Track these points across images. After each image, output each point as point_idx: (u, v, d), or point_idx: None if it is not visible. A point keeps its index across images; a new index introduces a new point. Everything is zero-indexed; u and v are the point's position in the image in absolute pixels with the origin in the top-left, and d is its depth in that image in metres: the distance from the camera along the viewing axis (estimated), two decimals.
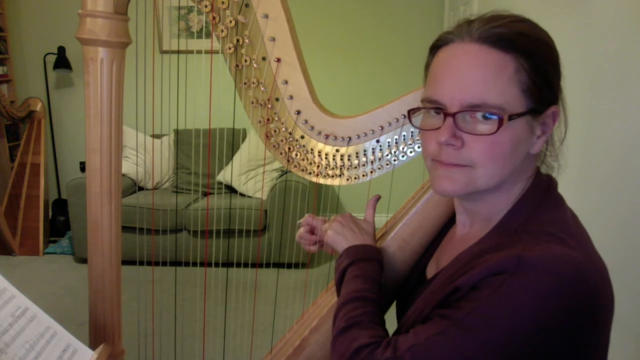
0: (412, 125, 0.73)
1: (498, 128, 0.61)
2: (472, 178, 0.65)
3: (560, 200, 0.71)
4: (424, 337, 0.62)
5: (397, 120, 0.88)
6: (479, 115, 0.62)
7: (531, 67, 0.61)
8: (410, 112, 0.72)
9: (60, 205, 3.98)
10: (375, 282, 0.80)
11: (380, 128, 0.89)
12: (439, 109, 0.65)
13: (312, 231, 1.00)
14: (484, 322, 0.59)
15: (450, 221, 0.88)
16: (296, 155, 0.95)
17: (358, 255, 0.83)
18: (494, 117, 0.61)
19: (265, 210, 3.25)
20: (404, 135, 0.90)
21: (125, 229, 3.16)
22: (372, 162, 0.92)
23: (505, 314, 0.58)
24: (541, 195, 0.69)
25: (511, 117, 0.61)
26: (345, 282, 0.80)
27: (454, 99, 0.63)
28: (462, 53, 0.63)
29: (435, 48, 0.69)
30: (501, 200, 0.70)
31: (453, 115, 0.63)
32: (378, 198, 0.94)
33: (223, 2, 0.86)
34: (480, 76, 0.62)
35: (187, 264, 3.24)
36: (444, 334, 0.61)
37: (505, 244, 0.63)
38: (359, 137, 0.91)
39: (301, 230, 1.00)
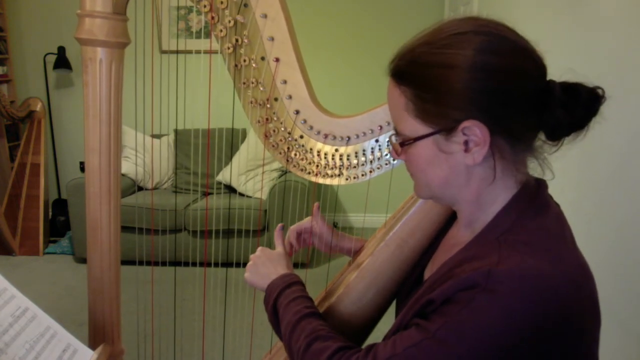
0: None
1: (402, 150, 0.71)
2: (417, 185, 0.75)
3: (544, 205, 0.70)
4: (401, 348, 0.64)
5: None
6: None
7: (416, 95, 0.67)
8: None
9: (60, 205, 3.98)
10: (307, 299, 0.84)
11: (379, 127, 0.89)
12: None
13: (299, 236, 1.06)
14: (455, 336, 0.60)
15: (450, 221, 0.88)
16: (295, 154, 0.95)
17: (279, 287, 0.86)
18: (401, 140, 0.71)
19: (265, 210, 3.25)
20: None
21: (125, 229, 3.16)
22: (371, 161, 0.92)
23: (475, 329, 0.59)
24: (525, 203, 0.69)
25: (407, 142, 0.69)
26: (280, 314, 0.83)
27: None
28: (388, 86, 0.72)
29: None
30: (472, 207, 0.71)
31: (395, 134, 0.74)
32: (282, 227, 1.02)
33: (222, 2, 0.86)
34: (391, 109, 0.73)
35: (186, 264, 3.24)
36: (419, 346, 0.62)
37: (483, 254, 0.64)
38: (357, 136, 0.91)
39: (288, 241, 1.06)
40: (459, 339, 0.59)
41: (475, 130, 0.64)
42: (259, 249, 0.96)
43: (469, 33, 0.64)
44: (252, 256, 0.95)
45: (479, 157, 0.66)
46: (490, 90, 0.63)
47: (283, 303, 0.83)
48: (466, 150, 0.66)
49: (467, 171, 0.68)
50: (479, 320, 0.59)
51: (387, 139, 0.90)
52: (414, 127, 0.68)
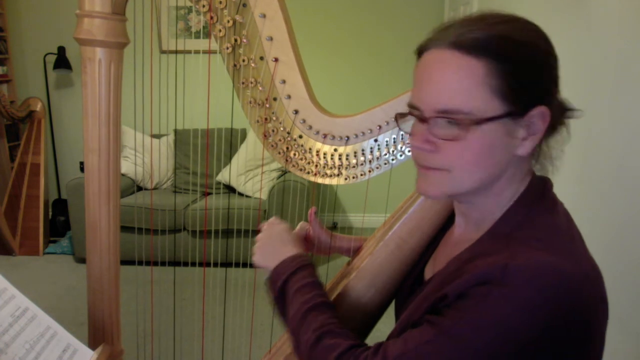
0: (400, 129, 0.76)
1: (466, 133, 0.62)
2: (449, 181, 0.66)
3: (553, 203, 0.70)
4: (412, 345, 0.63)
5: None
6: (449, 120, 0.63)
7: (506, 71, 0.61)
8: (399, 116, 0.75)
9: (60, 205, 3.98)
10: (318, 285, 0.80)
11: (378, 127, 0.90)
12: (418, 113, 0.67)
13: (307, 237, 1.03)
14: (470, 332, 0.59)
15: (449, 221, 0.88)
16: (294, 154, 0.95)
17: (289, 269, 0.82)
18: (463, 122, 0.62)
19: (265, 210, 3.25)
20: (402, 135, 0.90)
21: (125, 229, 3.16)
22: (370, 161, 0.92)
23: (491, 324, 0.58)
24: (534, 200, 0.69)
25: (480, 122, 0.62)
26: (289, 300, 0.80)
27: (428, 104, 0.64)
28: (436, 60, 0.64)
29: (419, 52, 0.69)
30: (492, 203, 0.70)
31: (426, 120, 0.64)
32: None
33: (220, 2, 0.86)
34: (450, 82, 0.62)
35: (186, 264, 3.24)
36: (432, 342, 0.61)
37: (494, 250, 0.63)
38: (357, 136, 0.91)
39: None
40: (475, 334, 0.59)
41: (542, 117, 0.64)
42: (264, 226, 0.91)
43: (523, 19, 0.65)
44: (257, 237, 0.90)
45: (530, 146, 0.65)
46: (555, 78, 0.65)
47: (292, 288, 0.80)
48: (525, 138, 0.64)
49: (512, 161, 0.66)
50: (495, 315, 0.58)
51: (387, 139, 0.90)
52: (489, 104, 0.62)
